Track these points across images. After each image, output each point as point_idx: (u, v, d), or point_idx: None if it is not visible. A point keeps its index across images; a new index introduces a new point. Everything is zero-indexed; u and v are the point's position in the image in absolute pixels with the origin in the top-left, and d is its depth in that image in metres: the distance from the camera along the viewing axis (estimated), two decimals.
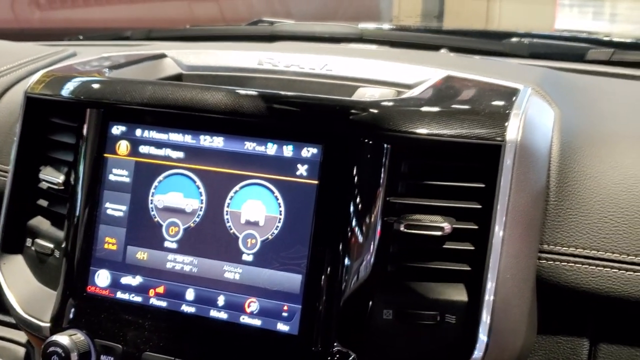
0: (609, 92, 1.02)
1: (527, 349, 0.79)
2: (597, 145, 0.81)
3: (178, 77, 1.00)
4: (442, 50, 1.23)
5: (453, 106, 0.80)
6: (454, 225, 0.77)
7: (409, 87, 0.92)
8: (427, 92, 0.85)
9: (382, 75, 0.94)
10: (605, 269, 0.77)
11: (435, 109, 0.79)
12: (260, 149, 0.80)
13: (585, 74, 1.14)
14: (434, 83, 0.88)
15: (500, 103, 0.80)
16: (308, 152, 0.79)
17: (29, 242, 0.94)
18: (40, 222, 0.94)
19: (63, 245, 0.88)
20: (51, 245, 0.91)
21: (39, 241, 0.92)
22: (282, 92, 0.83)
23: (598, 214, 0.78)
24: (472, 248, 0.76)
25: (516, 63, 1.17)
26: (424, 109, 0.79)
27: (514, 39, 1.32)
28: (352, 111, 0.78)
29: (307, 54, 0.99)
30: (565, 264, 0.78)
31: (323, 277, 0.77)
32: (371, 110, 0.78)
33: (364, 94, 0.90)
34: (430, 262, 0.78)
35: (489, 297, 0.74)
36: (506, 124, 0.76)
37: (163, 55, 1.03)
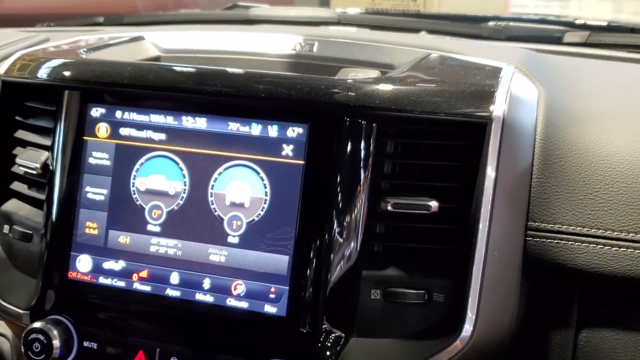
0: (587, 72, 1.02)
1: (515, 325, 0.79)
2: (581, 122, 0.82)
3: (156, 59, 0.98)
4: (422, 33, 1.23)
5: (438, 84, 0.80)
6: (441, 204, 0.76)
7: (392, 67, 0.91)
8: (411, 71, 0.85)
9: (365, 56, 0.94)
10: (591, 245, 0.78)
11: (421, 87, 0.79)
12: (244, 129, 0.79)
13: (563, 55, 1.15)
14: (417, 62, 0.88)
15: (485, 81, 0.80)
16: (293, 132, 0.78)
17: (6, 228, 0.92)
18: (18, 208, 0.92)
19: (42, 231, 0.86)
20: (29, 232, 0.89)
21: (17, 227, 0.90)
22: (267, 72, 0.82)
23: (583, 190, 0.78)
24: (460, 227, 0.76)
25: (495, 45, 1.17)
26: (409, 87, 0.78)
27: (492, 23, 1.33)
28: (338, 90, 0.77)
29: (288, 35, 0.98)
30: (552, 241, 0.79)
31: (310, 258, 0.77)
32: (356, 89, 0.77)
33: (347, 74, 0.90)
34: (418, 241, 0.78)
35: (476, 275, 0.74)
36: (492, 101, 0.76)
37: (140, 38, 1.01)
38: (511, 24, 1.31)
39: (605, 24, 1.30)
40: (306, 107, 0.78)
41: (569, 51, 1.16)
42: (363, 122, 0.77)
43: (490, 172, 0.75)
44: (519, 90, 0.81)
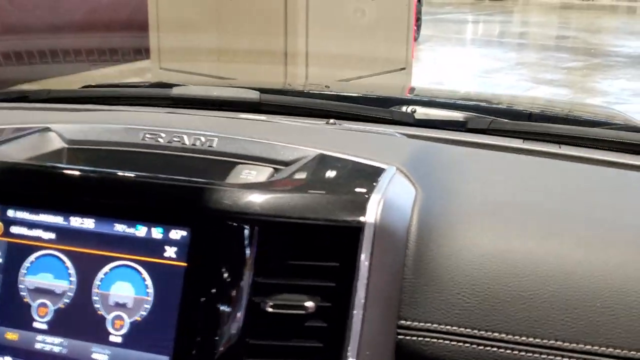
0: (479, 166, 1.08)
1: None
2: (454, 224, 0.86)
3: (60, 152, 1.01)
4: (332, 120, 1.28)
5: (317, 189, 0.84)
6: (318, 304, 0.80)
7: (286, 164, 0.96)
8: (297, 173, 0.89)
9: (261, 153, 0.98)
10: (459, 344, 0.82)
11: (300, 192, 0.83)
12: (130, 230, 0.82)
13: (465, 145, 1.20)
14: (306, 163, 0.93)
15: (363, 185, 0.85)
16: (177, 234, 0.81)
17: None
18: None
19: None
20: None
21: None
22: (150, 175, 0.85)
23: (451, 290, 0.82)
24: (334, 326, 0.80)
25: (398, 134, 1.23)
26: (289, 193, 0.83)
27: (401, 107, 1.39)
28: (218, 195, 0.81)
29: (192, 130, 1.02)
30: (423, 339, 0.82)
31: (188, 358, 0.79)
32: (236, 194, 0.81)
33: (241, 172, 0.94)
34: (294, 339, 0.81)
35: None
36: (366, 206, 0.81)
37: (47, 129, 1.04)
38: (419, 109, 1.37)
39: (506, 107, 1.37)
40: (188, 211, 0.81)
41: (470, 141, 1.21)
42: (243, 225, 0.80)
43: (364, 274, 0.79)
44: (395, 194, 0.86)
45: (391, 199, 0.84)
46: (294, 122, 1.22)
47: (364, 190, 0.84)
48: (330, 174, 0.90)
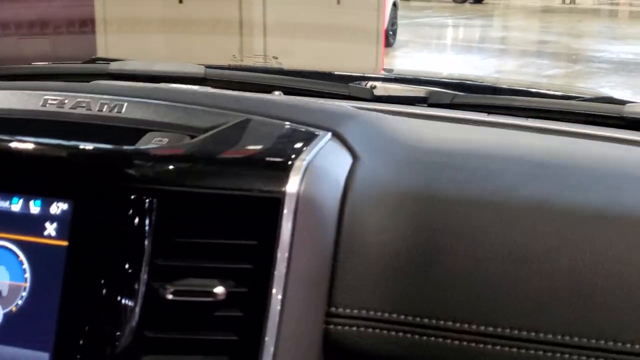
0: (434, 137, 0.95)
1: None
2: (393, 198, 0.73)
3: None
4: (277, 93, 1.15)
5: (234, 155, 0.72)
6: (229, 289, 0.67)
7: (205, 131, 0.83)
8: (214, 138, 0.76)
9: (176, 119, 0.85)
10: (398, 333, 0.69)
11: (213, 158, 0.70)
12: (4, 204, 0.69)
13: (426, 119, 1.08)
14: (226, 127, 0.79)
15: (289, 151, 0.72)
16: (57, 208, 0.68)
17: None
18: None
19: None
20: None
21: None
22: (27, 140, 0.72)
23: (386, 272, 0.69)
24: (250, 315, 0.67)
25: (354, 107, 1.10)
26: (196, 159, 0.70)
27: (359, 83, 1.26)
28: (106, 162, 0.68)
29: (102, 95, 0.89)
30: (356, 328, 0.69)
31: (73, 355, 0.66)
32: (128, 160, 0.68)
33: (150, 140, 0.81)
34: (202, 331, 0.67)
35: None
36: (289, 174, 0.68)
37: None
38: (378, 84, 1.25)
39: (469, 82, 1.25)
40: (71, 181, 0.68)
41: (433, 114, 1.09)
42: (139, 197, 0.67)
43: (284, 253, 0.66)
44: (327, 162, 0.73)
45: (320, 167, 0.71)
46: (235, 94, 1.09)
47: (289, 156, 0.71)
48: (254, 139, 0.77)
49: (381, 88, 1.25)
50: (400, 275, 0.69)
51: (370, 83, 1.26)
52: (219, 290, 0.67)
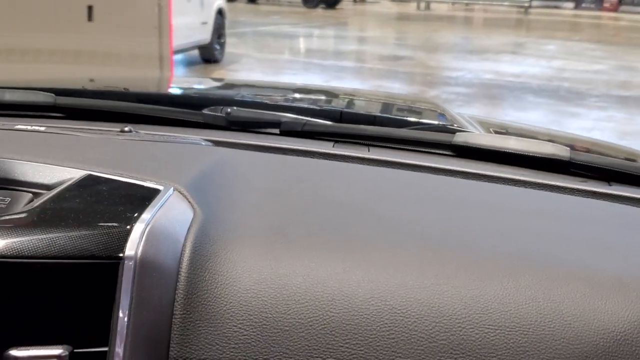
0: (275, 177, 0.99)
1: None
2: (232, 250, 0.79)
3: None
4: (127, 128, 1.17)
5: (72, 220, 0.74)
6: (74, 350, 0.70)
7: (48, 187, 0.85)
8: (53, 200, 0.78)
9: (19, 175, 0.86)
10: None
11: (47, 225, 0.73)
12: None
13: (276, 152, 1.12)
14: (67, 187, 0.82)
15: (129, 211, 0.76)
16: None
17: None
18: None
19: None
20: None
21: None
22: None
23: (228, 322, 0.75)
24: None
25: (204, 141, 1.14)
26: (30, 226, 0.72)
27: (215, 109, 1.30)
28: None
29: None
30: None
31: None
32: None
33: None
34: None
35: None
36: (127, 238, 0.72)
37: None
38: (233, 110, 1.29)
39: (319, 108, 1.32)
40: None
41: (280, 147, 1.14)
42: None
43: (123, 314, 0.71)
44: (166, 221, 0.77)
45: (160, 228, 0.75)
46: (80, 134, 1.10)
47: (128, 218, 0.75)
48: (94, 199, 0.80)
49: (235, 115, 1.29)
50: (239, 325, 0.75)
51: (224, 108, 1.30)
52: (61, 352, 0.70)
